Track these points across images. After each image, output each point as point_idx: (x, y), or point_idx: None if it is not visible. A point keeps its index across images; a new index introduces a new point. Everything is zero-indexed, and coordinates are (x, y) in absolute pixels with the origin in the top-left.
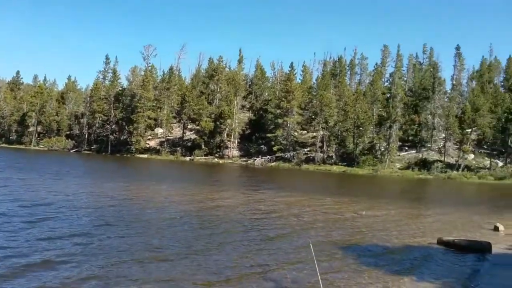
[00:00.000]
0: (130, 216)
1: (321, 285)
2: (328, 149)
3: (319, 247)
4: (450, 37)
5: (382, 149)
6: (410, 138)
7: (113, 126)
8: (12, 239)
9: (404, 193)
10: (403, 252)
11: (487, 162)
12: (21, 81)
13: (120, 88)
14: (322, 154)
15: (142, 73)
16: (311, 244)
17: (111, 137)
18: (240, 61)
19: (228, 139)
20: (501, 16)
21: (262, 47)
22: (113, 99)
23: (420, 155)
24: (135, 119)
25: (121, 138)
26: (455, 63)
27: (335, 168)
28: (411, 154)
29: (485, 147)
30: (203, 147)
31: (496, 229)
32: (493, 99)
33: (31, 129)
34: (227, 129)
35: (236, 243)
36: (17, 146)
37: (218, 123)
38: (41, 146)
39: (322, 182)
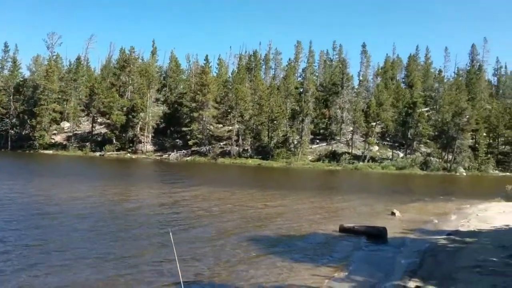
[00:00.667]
0: (27, 217)
1: (180, 274)
2: (244, 142)
3: (216, 237)
4: (358, 35)
5: (295, 142)
6: (321, 131)
7: (14, 120)
8: None
9: (314, 183)
10: (305, 239)
11: (389, 153)
12: None
13: (21, 79)
14: (237, 148)
15: (46, 62)
16: (170, 234)
17: (12, 132)
18: (153, 53)
19: (141, 133)
20: (403, 15)
21: (177, 39)
22: (12, 90)
23: (330, 148)
24: (38, 112)
25: (23, 133)
26: (361, 60)
27: (250, 161)
28: (322, 147)
29: (388, 139)
30: (114, 142)
31: (393, 214)
32: (395, 94)
33: None
34: (140, 123)
35: (130, 238)
36: None
37: (130, 116)
38: None
39: (237, 175)
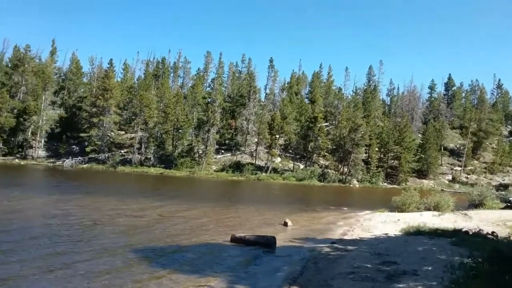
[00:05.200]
0: None
1: None
2: (147, 150)
3: (109, 250)
4: (266, 49)
5: (200, 152)
6: (227, 141)
7: None
8: None
9: (215, 193)
10: (194, 250)
11: (291, 165)
12: None
13: None
14: (139, 156)
15: None
16: None
17: None
18: (52, 53)
19: (33, 137)
20: (311, 33)
21: (81, 40)
22: None
23: (235, 158)
24: None
25: None
26: (268, 74)
27: (152, 170)
28: (226, 157)
29: (290, 151)
30: (1, 146)
31: (285, 224)
32: (299, 108)
33: None
34: (32, 126)
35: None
36: None
37: (21, 119)
38: None
39: (137, 184)
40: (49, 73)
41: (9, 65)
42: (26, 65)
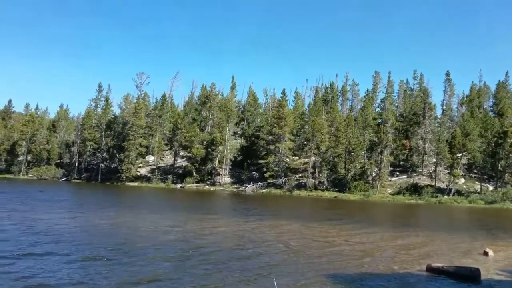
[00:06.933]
0: (120, 245)
1: None
2: (320, 175)
3: (304, 275)
4: (440, 63)
5: (374, 175)
6: (401, 163)
7: (104, 154)
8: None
9: (395, 218)
10: (391, 279)
11: (477, 186)
12: (12, 110)
13: (112, 116)
14: (313, 180)
15: (135, 100)
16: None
17: (102, 165)
18: (232, 88)
19: (219, 166)
20: (490, 43)
21: (255, 74)
22: (104, 127)
23: (411, 180)
24: (126, 146)
25: (112, 166)
26: (445, 88)
27: (326, 194)
28: (402, 179)
29: (476, 171)
30: (194, 174)
31: (485, 254)
32: (483, 123)
33: (20, 158)
34: (218, 156)
35: (213, 274)
36: (6, 175)
37: (209, 150)
38: (31, 175)
39: (314, 208)
40: (231, 107)
41: (198, 102)
42: (212, 101)
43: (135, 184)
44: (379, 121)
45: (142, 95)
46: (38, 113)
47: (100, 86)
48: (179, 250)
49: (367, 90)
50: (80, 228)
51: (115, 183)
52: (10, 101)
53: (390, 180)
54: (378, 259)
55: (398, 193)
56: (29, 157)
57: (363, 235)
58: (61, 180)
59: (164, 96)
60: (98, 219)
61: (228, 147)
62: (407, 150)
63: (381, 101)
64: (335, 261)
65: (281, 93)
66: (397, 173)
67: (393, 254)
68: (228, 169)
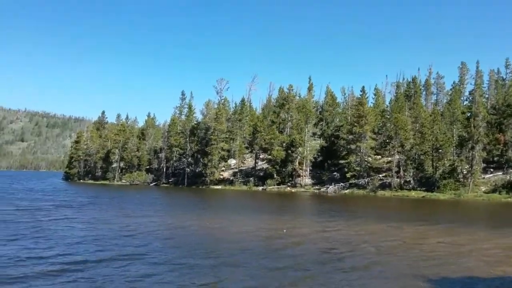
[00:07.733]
0: (211, 246)
1: None
2: (405, 173)
3: (402, 280)
4: None
5: (465, 172)
6: (496, 159)
7: (189, 159)
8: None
9: (494, 218)
10: (494, 284)
11: None
12: (106, 121)
13: (195, 122)
14: (398, 179)
15: (216, 106)
16: None
17: (187, 169)
18: (310, 89)
19: (300, 167)
20: None
21: (332, 73)
22: (188, 133)
23: (508, 177)
24: (209, 151)
25: (197, 170)
26: None
27: (413, 194)
28: (497, 176)
29: None
30: (275, 176)
31: None
32: None
33: (114, 165)
34: (298, 157)
35: (313, 277)
36: (102, 182)
37: (289, 151)
38: (124, 181)
39: (401, 209)
40: (309, 107)
41: (276, 105)
42: (290, 103)
43: (219, 187)
44: (469, 114)
45: (223, 101)
46: (128, 122)
47: (183, 94)
48: (290, 256)
49: (453, 83)
50: (192, 231)
51: (200, 187)
52: (103, 112)
53: (484, 178)
54: (480, 262)
55: (493, 191)
56: (121, 164)
57: (459, 236)
58: (151, 184)
59: (243, 100)
60: (198, 221)
61: (308, 148)
62: (502, 145)
63: (469, 94)
64: (432, 265)
65: (360, 91)
66: (491, 169)
67: (496, 258)
68: (308, 170)
